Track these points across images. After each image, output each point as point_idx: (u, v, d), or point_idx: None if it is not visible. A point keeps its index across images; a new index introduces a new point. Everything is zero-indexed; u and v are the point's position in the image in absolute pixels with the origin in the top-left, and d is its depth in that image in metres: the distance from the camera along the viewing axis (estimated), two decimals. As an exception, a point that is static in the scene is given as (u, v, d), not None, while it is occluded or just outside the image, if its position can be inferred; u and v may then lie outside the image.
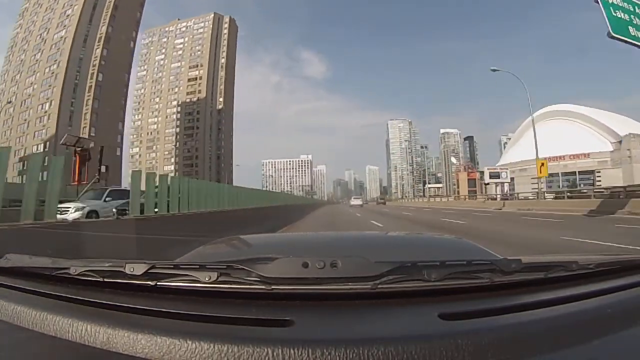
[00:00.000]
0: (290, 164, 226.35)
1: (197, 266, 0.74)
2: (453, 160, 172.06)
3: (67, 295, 0.73)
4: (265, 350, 0.51)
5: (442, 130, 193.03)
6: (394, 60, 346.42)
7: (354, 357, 0.50)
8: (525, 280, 0.75)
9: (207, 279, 0.68)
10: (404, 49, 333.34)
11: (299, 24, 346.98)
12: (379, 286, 0.66)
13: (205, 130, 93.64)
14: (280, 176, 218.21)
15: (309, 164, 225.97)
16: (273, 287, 0.66)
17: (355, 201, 44.93)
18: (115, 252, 4.52)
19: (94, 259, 0.87)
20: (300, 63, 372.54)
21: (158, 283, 0.71)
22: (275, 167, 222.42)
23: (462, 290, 0.71)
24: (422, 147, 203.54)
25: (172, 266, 0.75)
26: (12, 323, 0.67)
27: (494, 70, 25.25)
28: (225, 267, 0.71)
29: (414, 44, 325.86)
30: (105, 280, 0.75)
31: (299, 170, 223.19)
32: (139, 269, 0.71)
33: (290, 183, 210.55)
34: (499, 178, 44.15)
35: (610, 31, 10.92)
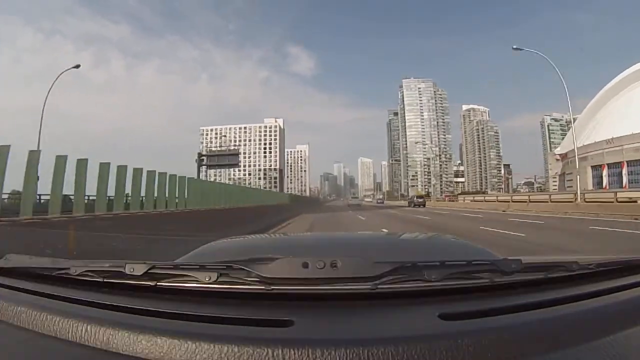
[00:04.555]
0: (246, 133, 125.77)
1: (197, 266, 0.74)
2: (492, 156, 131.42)
3: (67, 296, 0.73)
4: (265, 350, 0.51)
5: (464, 107, 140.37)
6: (385, 52, 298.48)
7: (354, 357, 0.50)
8: (526, 280, 0.75)
9: (207, 279, 0.68)
10: (395, 41, 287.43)
11: (284, 13, 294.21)
12: (379, 286, 0.66)
13: None
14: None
15: (279, 133, 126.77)
16: (273, 287, 0.66)
17: (354, 201, 46.62)
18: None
19: (94, 259, 0.87)
20: (285, 56, 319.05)
21: (158, 283, 0.71)
22: (221, 140, 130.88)
23: (462, 291, 0.71)
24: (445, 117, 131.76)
25: (172, 266, 0.75)
26: (12, 323, 0.67)
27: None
28: (225, 267, 0.71)
29: (407, 36, 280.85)
30: (105, 280, 0.75)
31: (261, 144, 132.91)
32: (139, 269, 0.71)
33: (247, 166, 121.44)
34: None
35: None
